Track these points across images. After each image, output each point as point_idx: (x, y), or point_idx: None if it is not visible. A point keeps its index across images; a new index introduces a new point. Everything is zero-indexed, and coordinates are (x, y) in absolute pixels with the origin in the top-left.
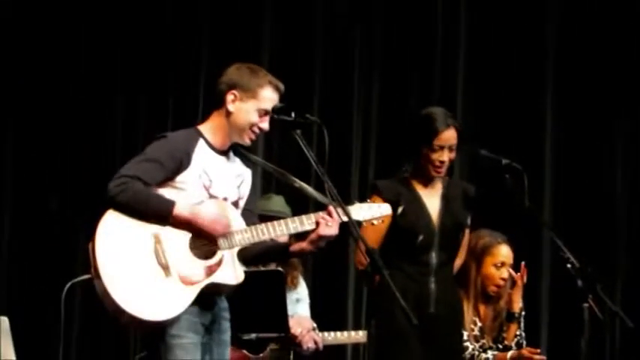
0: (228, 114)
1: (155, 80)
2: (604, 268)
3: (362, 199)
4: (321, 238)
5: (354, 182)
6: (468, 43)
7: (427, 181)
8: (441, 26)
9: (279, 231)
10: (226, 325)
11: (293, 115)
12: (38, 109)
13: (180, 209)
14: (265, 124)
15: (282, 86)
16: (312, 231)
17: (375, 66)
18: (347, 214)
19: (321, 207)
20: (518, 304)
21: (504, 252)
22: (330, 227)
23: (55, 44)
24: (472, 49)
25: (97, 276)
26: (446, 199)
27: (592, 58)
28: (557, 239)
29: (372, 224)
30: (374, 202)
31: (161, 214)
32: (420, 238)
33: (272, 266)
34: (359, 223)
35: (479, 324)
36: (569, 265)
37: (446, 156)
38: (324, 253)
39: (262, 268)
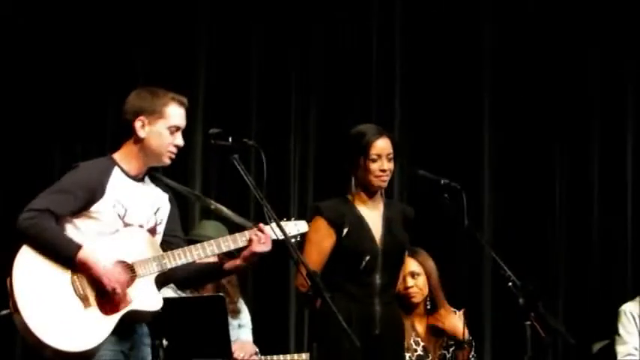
0: (141, 140)
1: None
2: (545, 286)
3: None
4: (254, 254)
5: (293, 204)
6: (404, 64)
7: (369, 200)
8: (376, 48)
9: (210, 251)
10: (146, 351)
11: (230, 139)
12: None
13: (84, 256)
14: (179, 140)
15: (185, 100)
16: (246, 248)
17: (312, 88)
18: (285, 236)
19: (242, 228)
20: (462, 332)
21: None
22: (262, 244)
23: None
24: (408, 69)
25: (16, 310)
26: (387, 220)
27: (530, 73)
28: (498, 258)
29: (297, 240)
30: (317, 224)
31: (64, 257)
32: (367, 259)
33: (211, 292)
34: (279, 241)
35: (421, 343)
36: (510, 284)
37: (385, 165)
38: (264, 275)
39: (203, 294)
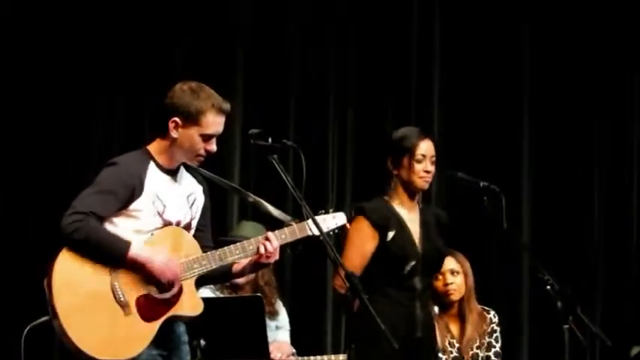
0: (173, 139)
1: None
2: (583, 290)
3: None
4: (259, 265)
5: (331, 205)
6: (443, 66)
7: (409, 202)
8: (415, 47)
9: (237, 255)
10: (186, 349)
11: (270, 140)
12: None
13: (135, 252)
14: (212, 147)
15: (226, 106)
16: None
17: (351, 90)
18: (324, 237)
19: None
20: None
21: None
22: (269, 256)
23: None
24: (447, 71)
25: (55, 316)
26: (425, 224)
27: (570, 75)
28: (536, 261)
29: (333, 234)
30: (360, 225)
31: (115, 256)
32: (412, 264)
33: (249, 292)
34: (319, 236)
35: (456, 345)
36: (548, 287)
37: (429, 166)
38: (302, 276)
39: (242, 295)
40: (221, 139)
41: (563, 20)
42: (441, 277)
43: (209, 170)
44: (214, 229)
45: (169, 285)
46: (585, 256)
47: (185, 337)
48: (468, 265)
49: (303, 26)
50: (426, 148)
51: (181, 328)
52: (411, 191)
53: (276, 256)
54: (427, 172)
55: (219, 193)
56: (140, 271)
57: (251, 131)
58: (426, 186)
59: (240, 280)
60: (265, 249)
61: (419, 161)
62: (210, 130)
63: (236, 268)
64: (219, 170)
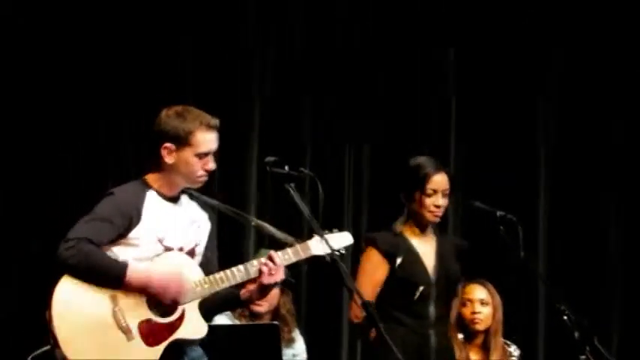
0: (169, 165)
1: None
2: (600, 320)
3: (356, 251)
4: (263, 286)
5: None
6: (461, 93)
7: (422, 233)
8: (433, 79)
9: (239, 278)
10: None
11: (287, 168)
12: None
13: (133, 273)
14: (210, 165)
15: (215, 122)
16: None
17: (368, 119)
18: (341, 269)
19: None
20: None
21: (468, 289)
22: (272, 275)
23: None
24: (464, 102)
25: (57, 345)
26: (439, 252)
27: (587, 110)
28: (553, 291)
29: (341, 254)
30: (370, 255)
31: (113, 278)
32: (421, 289)
33: (267, 320)
34: (323, 257)
35: None
36: (565, 317)
37: (440, 200)
38: (318, 305)
39: (259, 322)
40: (239, 168)
41: (586, 50)
42: (469, 304)
43: (225, 195)
44: (231, 256)
45: (173, 302)
46: (602, 286)
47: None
48: (498, 298)
49: (319, 54)
50: (438, 182)
51: (196, 352)
52: (422, 223)
53: (281, 275)
54: (437, 206)
55: (234, 222)
56: (141, 291)
57: (267, 159)
58: (436, 220)
59: (260, 309)
60: (268, 268)
61: (429, 195)
62: (203, 149)
63: (244, 293)
64: (236, 197)
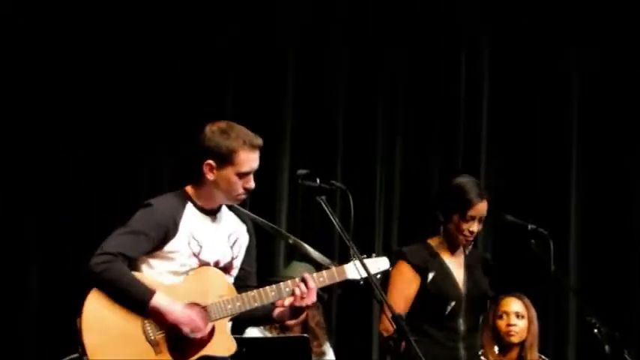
0: (210, 181)
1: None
2: (631, 333)
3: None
4: (295, 308)
5: (377, 247)
6: (491, 106)
7: (452, 249)
8: (463, 86)
9: (272, 297)
10: None
11: (318, 181)
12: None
13: (157, 303)
14: (250, 184)
15: (258, 141)
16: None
17: (399, 131)
18: (370, 277)
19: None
20: None
21: (505, 302)
22: (304, 298)
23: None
24: (495, 114)
25: (85, 354)
26: (469, 267)
27: (619, 117)
28: (584, 304)
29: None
30: (401, 269)
31: (137, 303)
32: (452, 304)
33: (297, 333)
34: (359, 281)
35: None
36: (596, 330)
37: (476, 226)
38: (348, 318)
39: (289, 335)
40: (270, 180)
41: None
42: (505, 317)
43: (256, 210)
44: (261, 269)
45: (189, 336)
46: (633, 299)
47: None
48: (534, 312)
49: (352, 68)
50: (478, 209)
51: None
52: (454, 243)
53: (313, 299)
54: (472, 232)
55: (266, 234)
56: (162, 319)
57: (299, 172)
58: (467, 244)
59: (289, 322)
60: (300, 291)
61: (467, 221)
62: (245, 168)
63: (276, 313)
64: (267, 210)
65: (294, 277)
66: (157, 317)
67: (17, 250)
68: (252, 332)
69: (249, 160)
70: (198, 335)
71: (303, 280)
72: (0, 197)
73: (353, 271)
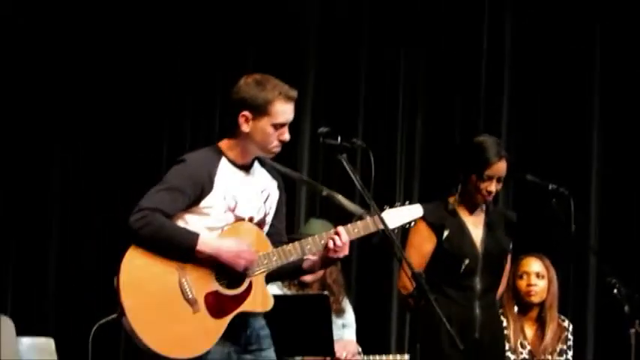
0: (245, 134)
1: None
2: None
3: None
4: (329, 259)
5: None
6: (513, 67)
7: (472, 208)
8: (486, 48)
9: (307, 251)
10: (268, 342)
11: (339, 139)
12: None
13: (204, 244)
14: (285, 136)
15: (293, 93)
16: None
17: (420, 89)
18: (389, 233)
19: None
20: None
21: (525, 262)
22: (337, 251)
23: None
24: (517, 73)
25: (123, 314)
26: (488, 225)
27: (638, 85)
28: (604, 264)
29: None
30: (418, 227)
31: (185, 249)
32: (466, 262)
33: (316, 290)
34: (393, 230)
35: (528, 347)
36: (615, 291)
37: (494, 186)
38: (367, 275)
39: (308, 292)
40: (291, 138)
41: (635, 21)
42: (525, 277)
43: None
44: None
45: (243, 272)
46: None
47: (265, 331)
48: (553, 272)
49: (373, 25)
50: (497, 169)
51: (260, 323)
52: (473, 202)
53: (346, 251)
54: (490, 192)
55: (286, 191)
56: (212, 261)
57: (320, 130)
58: (486, 203)
59: (308, 278)
60: (334, 243)
61: (484, 180)
62: (280, 119)
63: (307, 264)
64: (288, 167)
65: (313, 234)
66: (206, 258)
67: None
68: (272, 289)
69: (285, 111)
70: (254, 265)
71: (336, 233)
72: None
73: (388, 220)
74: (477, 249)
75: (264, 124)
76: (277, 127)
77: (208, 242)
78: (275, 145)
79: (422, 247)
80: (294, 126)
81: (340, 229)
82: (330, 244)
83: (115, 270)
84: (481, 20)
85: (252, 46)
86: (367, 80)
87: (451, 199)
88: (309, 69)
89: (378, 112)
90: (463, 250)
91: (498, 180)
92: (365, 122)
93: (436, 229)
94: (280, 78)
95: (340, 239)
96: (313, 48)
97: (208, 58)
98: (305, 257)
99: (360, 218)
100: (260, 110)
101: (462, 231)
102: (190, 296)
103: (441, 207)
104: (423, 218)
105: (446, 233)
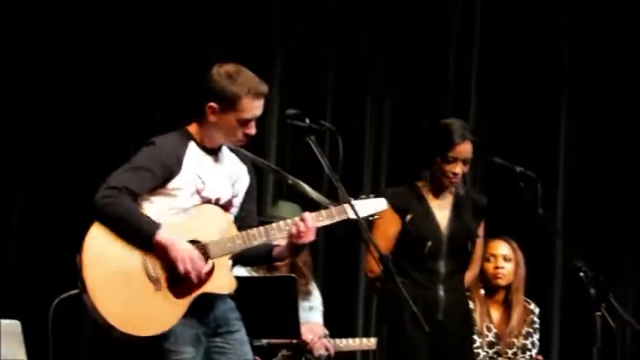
0: (211, 123)
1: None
2: (616, 277)
3: None
4: (294, 245)
5: (366, 189)
6: (482, 50)
7: (439, 191)
8: (455, 30)
9: (272, 235)
10: (238, 325)
11: (307, 121)
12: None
13: (161, 236)
14: (251, 130)
15: (263, 89)
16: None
17: (388, 73)
18: (357, 217)
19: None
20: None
21: (492, 245)
22: (301, 237)
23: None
24: (485, 56)
25: (84, 290)
26: (456, 208)
27: (608, 61)
28: (570, 247)
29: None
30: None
31: (142, 236)
32: (429, 244)
33: (284, 272)
34: (355, 220)
35: (493, 330)
36: (581, 274)
37: (459, 168)
38: (335, 258)
39: (276, 274)
40: (259, 119)
41: (603, 8)
42: (492, 259)
43: (245, 147)
44: None
45: (186, 276)
46: (619, 243)
47: (235, 314)
48: (520, 255)
49: (341, 8)
50: (460, 151)
51: (228, 305)
52: (440, 186)
53: (311, 237)
54: (455, 174)
55: (255, 174)
56: (163, 255)
57: (288, 112)
58: (452, 187)
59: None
60: (298, 229)
61: (449, 162)
62: (247, 115)
63: (276, 251)
64: (256, 150)
65: (281, 217)
66: (160, 252)
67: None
68: (240, 271)
69: (253, 107)
70: (194, 275)
71: (302, 219)
72: None
73: (350, 212)
74: (442, 232)
75: (231, 118)
76: (243, 122)
77: (166, 237)
78: (239, 139)
79: (387, 230)
80: (263, 109)
81: (306, 214)
82: (294, 230)
83: (78, 246)
84: (450, 5)
85: (216, 26)
86: (335, 64)
87: (420, 184)
88: (277, 51)
89: (346, 95)
90: (426, 233)
91: (464, 163)
92: (333, 106)
93: (400, 212)
94: (247, 60)
95: (305, 224)
96: (280, 30)
97: (172, 39)
98: (276, 244)
99: (325, 208)
100: (227, 104)
101: (426, 214)
102: (153, 274)
103: (408, 191)
104: (387, 202)
105: (409, 216)
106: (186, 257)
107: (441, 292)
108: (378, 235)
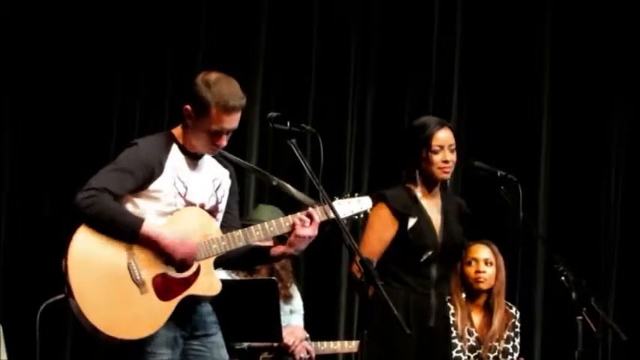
0: (189, 126)
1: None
2: (598, 281)
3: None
4: (298, 240)
5: (348, 191)
6: (463, 54)
7: (430, 192)
8: (436, 34)
9: (257, 237)
10: (215, 328)
11: (288, 124)
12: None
13: (147, 228)
14: (220, 142)
15: (234, 103)
16: (291, 233)
17: (370, 77)
18: (339, 221)
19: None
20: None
21: (473, 249)
22: (306, 229)
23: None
24: (467, 60)
25: (70, 294)
26: (446, 213)
27: (589, 64)
28: (552, 251)
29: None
30: (381, 212)
31: (127, 232)
32: (429, 253)
33: (264, 276)
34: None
35: (475, 334)
36: (563, 278)
37: (448, 156)
38: (316, 261)
39: (257, 277)
40: (240, 122)
41: (585, 10)
42: (474, 263)
43: (227, 150)
44: None
45: (182, 262)
46: (600, 247)
47: (212, 317)
48: (501, 259)
49: (325, 10)
50: (443, 137)
51: (206, 308)
52: (432, 181)
53: (315, 232)
54: (446, 162)
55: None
56: (154, 248)
57: (270, 115)
58: (446, 176)
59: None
60: (304, 224)
61: (436, 152)
62: (214, 127)
63: (274, 251)
64: (237, 152)
65: (262, 220)
66: (148, 244)
67: None
68: (220, 274)
69: (221, 120)
70: (188, 258)
71: (309, 214)
72: None
73: (337, 210)
74: (437, 238)
75: (203, 125)
76: (213, 132)
77: (152, 227)
78: (209, 149)
79: (383, 233)
80: (243, 111)
81: (310, 209)
82: (303, 219)
83: (63, 250)
84: (432, 3)
85: (202, 26)
86: (317, 66)
87: (411, 186)
88: (259, 52)
89: (327, 98)
90: (427, 241)
91: (450, 150)
92: (315, 108)
93: (400, 216)
94: (230, 61)
95: (311, 217)
96: (263, 30)
97: (158, 36)
98: (267, 244)
99: (310, 208)
100: (199, 109)
101: (425, 220)
102: (138, 278)
103: (404, 193)
104: (387, 204)
105: (412, 223)
106: (177, 241)
107: (433, 298)
108: (372, 235)
